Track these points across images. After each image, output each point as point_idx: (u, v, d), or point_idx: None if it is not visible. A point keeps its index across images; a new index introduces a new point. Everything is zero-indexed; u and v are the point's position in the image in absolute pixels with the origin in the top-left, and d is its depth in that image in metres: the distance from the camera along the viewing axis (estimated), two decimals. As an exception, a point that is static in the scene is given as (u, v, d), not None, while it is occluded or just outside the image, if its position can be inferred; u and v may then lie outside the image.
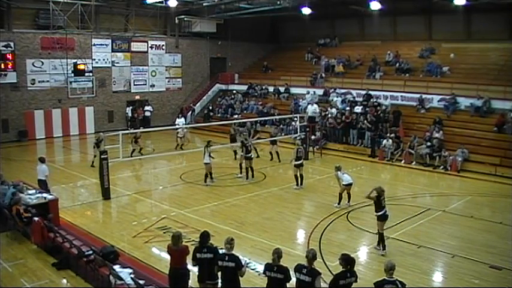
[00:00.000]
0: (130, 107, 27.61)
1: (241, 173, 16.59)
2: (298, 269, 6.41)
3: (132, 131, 20.66)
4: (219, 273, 7.03)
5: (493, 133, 19.05)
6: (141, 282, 7.52)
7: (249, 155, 16.17)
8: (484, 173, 17.32)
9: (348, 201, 13.19)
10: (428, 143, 19.00)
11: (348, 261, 6.42)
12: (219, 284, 7.19)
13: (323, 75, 27.21)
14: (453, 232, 11.48)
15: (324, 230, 11.44)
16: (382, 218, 10.08)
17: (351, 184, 13.08)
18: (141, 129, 21.65)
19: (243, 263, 6.93)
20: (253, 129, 22.96)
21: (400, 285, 6.06)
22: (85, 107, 26.00)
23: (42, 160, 12.94)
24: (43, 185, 12.58)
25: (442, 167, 18.34)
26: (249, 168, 16.26)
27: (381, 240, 10.10)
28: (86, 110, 26.09)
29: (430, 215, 12.65)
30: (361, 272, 8.98)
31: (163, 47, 29.25)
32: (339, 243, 10.65)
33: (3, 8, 22.50)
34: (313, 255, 6.45)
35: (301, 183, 15.29)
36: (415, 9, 26.14)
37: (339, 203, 13.13)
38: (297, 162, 15.13)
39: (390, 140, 19.89)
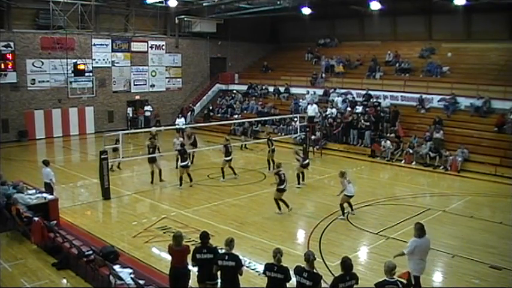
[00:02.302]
0: (132, 108, 27.60)
1: (223, 177, 16.30)
2: (299, 272, 6.38)
3: (132, 131, 20.71)
4: (219, 273, 7.04)
5: (493, 133, 19.05)
6: (141, 282, 7.52)
7: (272, 147, 17.42)
8: (484, 173, 17.32)
9: (352, 210, 12.55)
10: (429, 143, 19.01)
11: (344, 265, 6.33)
12: (219, 284, 7.20)
13: (323, 75, 27.21)
14: (453, 232, 11.48)
15: (324, 230, 11.44)
16: (280, 191, 12.51)
17: (352, 196, 12.41)
18: (141, 130, 21.66)
19: (243, 262, 6.95)
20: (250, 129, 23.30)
21: (401, 286, 6.05)
22: (85, 107, 26.01)
23: (45, 163, 12.90)
24: (48, 188, 12.54)
25: (442, 167, 18.34)
26: (270, 161, 17.38)
27: (277, 204, 12.56)
28: (86, 110, 26.10)
29: (430, 215, 12.64)
30: (361, 272, 8.98)
31: (163, 47, 29.25)
32: (339, 243, 10.65)
33: (3, 8, 22.50)
34: (314, 258, 6.45)
35: (303, 180, 15.81)
36: (415, 9, 26.14)
37: (343, 214, 12.27)
38: (305, 162, 15.77)
39: (388, 142, 19.92)
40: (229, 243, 6.97)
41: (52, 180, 12.61)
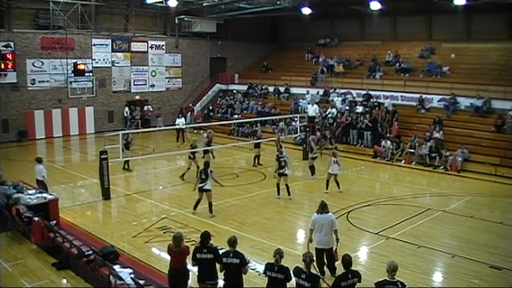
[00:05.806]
0: (127, 108, 27.48)
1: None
2: (297, 273, 6.41)
3: (136, 131, 20.68)
4: (219, 273, 7.05)
5: (493, 133, 19.04)
6: (141, 282, 7.52)
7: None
8: (484, 173, 17.30)
9: (339, 188, 14.56)
10: (429, 143, 19.01)
11: (343, 262, 6.42)
12: (219, 284, 7.20)
13: (323, 74, 27.19)
14: (453, 232, 11.48)
15: (324, 230, 11.42)
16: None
17: (335, 175, 14.45)
18: (142, 130, 21.65)
19: (247, 260, 7.01)
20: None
21: (401, 286, 6.04)
22: (85, 107, 26.00)
23: (38, 160, 12.96)
24: (41, 186, 12.56)
25: (442, 167, 18.34)
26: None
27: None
28: (86, 110, 26.09)
29: (430, 215, 12.64)
30: (361, 272, 8.99)
31: (163, 47, 29.25)
32: (338, 243, 10.62)
33: (3, 8, 22.49)
34: (311, 259, 6.46)
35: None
36: (415, 9, 26.14)
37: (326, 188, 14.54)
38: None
39: (389, 142, 19.91)
40: (233, 243, 7.00)
41: (44, 176, 12.63)
